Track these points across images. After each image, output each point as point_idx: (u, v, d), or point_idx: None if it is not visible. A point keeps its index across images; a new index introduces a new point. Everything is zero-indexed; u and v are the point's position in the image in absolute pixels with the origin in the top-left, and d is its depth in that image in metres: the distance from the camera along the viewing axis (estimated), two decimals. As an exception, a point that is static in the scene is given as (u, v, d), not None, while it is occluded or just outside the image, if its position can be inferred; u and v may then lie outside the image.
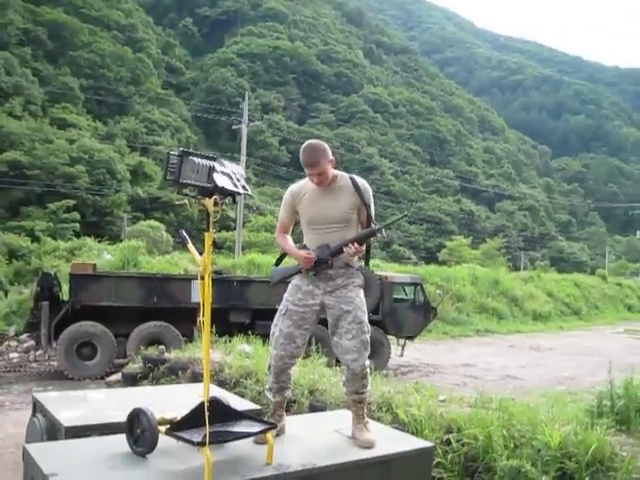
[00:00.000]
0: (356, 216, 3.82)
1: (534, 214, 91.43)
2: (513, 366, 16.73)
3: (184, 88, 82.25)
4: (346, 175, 3.88)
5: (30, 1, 64.33)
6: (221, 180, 3.13)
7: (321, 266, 3.70)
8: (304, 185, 3.88)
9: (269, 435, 3.23)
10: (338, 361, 4.03)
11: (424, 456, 3.77)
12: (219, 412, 3.12)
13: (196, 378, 7.62)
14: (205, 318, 3.11)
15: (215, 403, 3.14)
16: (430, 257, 56.20)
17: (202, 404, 3.04)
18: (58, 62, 62.78)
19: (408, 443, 3.83)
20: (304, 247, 3.84)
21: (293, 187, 3.94)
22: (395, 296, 15.71)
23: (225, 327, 11.01)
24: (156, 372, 8.29)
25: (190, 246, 3.31)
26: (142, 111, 65.48)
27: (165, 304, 13.43)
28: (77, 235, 35.17)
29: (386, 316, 14.84)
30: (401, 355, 15.45)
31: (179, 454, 3.14)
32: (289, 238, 3.93)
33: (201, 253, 3.21)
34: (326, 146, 3.76)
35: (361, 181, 3.85)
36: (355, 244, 3.64)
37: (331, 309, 3.78)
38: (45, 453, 3.09)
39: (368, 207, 3.80)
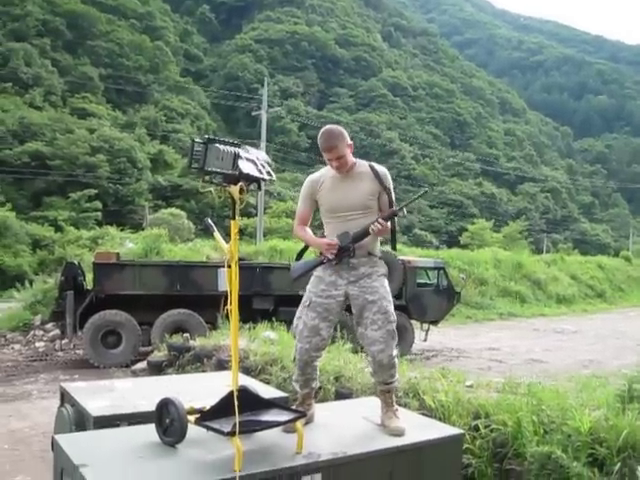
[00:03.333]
0: (376, 203, 3.78)
1: (556, 196, 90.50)
2: (537, 350, 16.62)
3: (203, 75, 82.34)
4: (365, 162, 3.84)
5: (48, -8, 64.57)
6: (246, 167, 3.09)
7: (343, 254, 3.66)
8: (323, 174, 3.84)
9: (299, 424, 3.20)
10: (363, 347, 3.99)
11: (454, 443, 3.73)
12: (248, 401, 3.10)
13: (221, 365, 7.63)
14: (232, 306, 3.08)
15: (244, 392, 3.12)
16: (452, 241, 55.99)
17: (231, 393, 3.01)
18: (77, 52, 63.14)
19: (438, 430, 3.79)
20: (324, 238, 3.80)
21: (312, 177, 3.90)
22: (418, 281, 15.64)
23: (248, 314, 10.99)
24: (181, 360, 8.32)
25: (216, 234, 3.28)
26: (161, 99, 65.70)
27: (188, 292, 13.46)
28: (99, 224, 35.50)
29: (410, 301, 14.77)
30: (425, 340, 15.39)
31: (208, 444, 3.12)
32: (309, 230, 3.89)
33: (227, 241, 3.19)
34: (343, 130, 3.72)
35: (380, 167, 3.82)
36: (379, 221, 3.59)
37: (355, 299, 3.73)
38: (75, 444, 3.09)
39: (389, 191, 3.76)
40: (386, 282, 3.82)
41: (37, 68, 54.86)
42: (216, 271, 13.45)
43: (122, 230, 28.86)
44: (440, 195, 71.25)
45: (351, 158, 3.74)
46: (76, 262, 14.47)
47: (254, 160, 3.19)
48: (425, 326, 15.55)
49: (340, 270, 3.72)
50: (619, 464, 4.25)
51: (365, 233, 3.64)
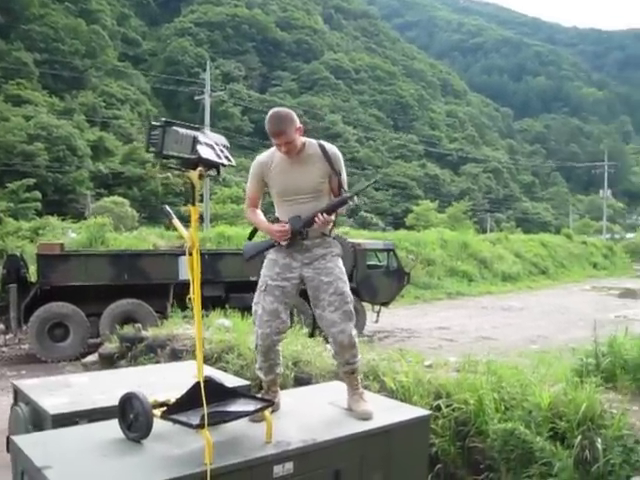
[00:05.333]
0: (327, 185, 3.70)
1: (498, 176, 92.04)
2: (486, 327, 16.92)
3: (142, 60, 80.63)
4: (315, 142, 3.72)
5: (-23, -25, 62.21)
6: (205, 151, 2.99)
7: (295, 238, 3.60)
8: (271, 155, 3.72)
9: (267, 413, 3.14)
10: (321, 331, 3.94)
11: (422, 424, 3.73)
12: (214, 392, 3.02)
13: (176, 355, 7.53)
14: (195, 294, 2.99)
15: (209, 382, 3.04)
16: (397, 222, 56.43)
17: (197, 384, 2.92)
18: (10, 37, 61.02)
19: (406, 412, 3.77)
20: (276, 220, 3.71)
21: (260, 158, 3.78)
22: (368, 263, 15.70)
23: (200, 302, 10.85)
24: (134, 351, 8.17)
25: (175, 221, 3.16)
26: (100, 85, 64.16)
27: (137, 281, 13.19)
28: (39, 214, 34.55)
29: (360, 283, 14.81)
30: (376, 321, 15.49)
31: (175, 437, 3.03)
32: (259, 212, 3.80)
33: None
34: (293, 114, 3.59)
35: (330, 148, 3.71)
36: (324, 214, 3.54)
37: (311, 281, 3.67)
38: (34, 444, 2.96)
39: (339, 175, 3.67)
40: (340, 262, 3.76)
41: (-32, 54, 52.99)
42: (173, 255, 13.29)
43: (64, 220, 28.18)
44: (385, 177, 71.62)
45: (300, 141, 3.62)
46: (18, 254, 14.06)
47: (212, 145, 3.09)
48: (376, 308, 15.65)
49: (294, 252, 3.66)
50: (579, 437, 4.33)
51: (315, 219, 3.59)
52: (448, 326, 17.20)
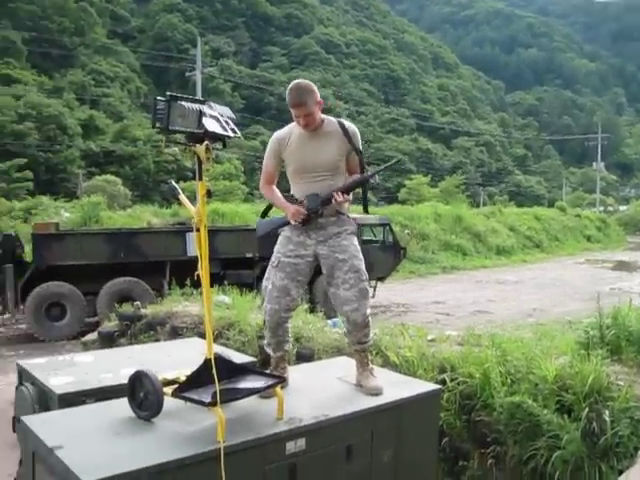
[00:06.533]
0: (344, 163, 3.66)
1: (490, 150, 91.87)
2: (482, 301, 16.98)
3: (131, 37, 79.67)
4: (334, 120, 3.69)
5: (-38, -48, 61.15)
6: (211, 124, 2.94)
7: (311, 217, 3.55)
8: (289, 131, 3.67)
9: (278, 389, 3.11)
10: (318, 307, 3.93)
11: (432, 399, 3.71)
12: (224, 369, 2.98)
13: (176, 333, 7.51)
14: (203, 271, 2.95)
15: (219, 359, 3.00)
16: (390, 197, 56.32)
17: (207, 361, 2.89)
18: (-4, 15, 60.19)
19: (416, 387, 3.76)
20: (291, 198, 3.67)
21: (278, 134, 3.72)
22: (364, 237, 15.66)
23: (198, 279, 10.81)
24: (133, 329, 8.15)
25: (182, 197, 3.12)
26: (89, 62, 63.40)
27: (133, 259, 13.17)
28: (31, 194, 34.32)
29: (356, 258, 14.78)
30: (373, 296, 15.43)
31: (185, 415, 3.01)
32: (276, 189, 3.74)
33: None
34: (314, 86, 3.56)
35: (350, 126, 3.67)
36: (342, 193, 3.51)
37: (325, 259, 3.63)
38: (44, 424, 2.92)
39: (359, 152, 3.64)
40: (355, 240, 3.74)
41: (-46, 34, 52.27)
42: (168, 233, 13.25)
43: (56, 199, 28.02)
44: (377, 152, 71.39)
45: (319, 116, 3.58)
46: (13, 234, 13.98)
47: (217, 117, 3.03)
48: (372, 283, 15.63)
49: (308, 230, 3.62)
50: (586, 409, 4.32)
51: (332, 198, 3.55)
52: (444, 300, 17.26)
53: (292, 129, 3.66)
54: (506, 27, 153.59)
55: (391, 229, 16.26)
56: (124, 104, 59.86)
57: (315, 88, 3.55)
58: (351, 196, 3.66)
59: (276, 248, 3.69)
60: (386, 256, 15.73)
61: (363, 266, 3.70)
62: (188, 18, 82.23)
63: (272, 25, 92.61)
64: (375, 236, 16.16)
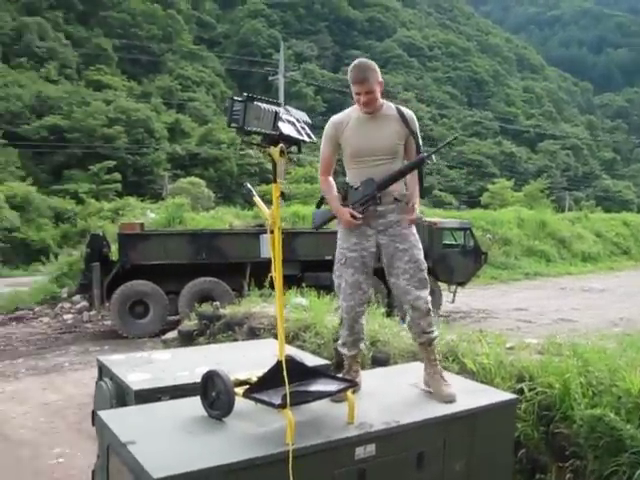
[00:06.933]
0: (402, 148, 3.61)
1: (577, 153, 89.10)
2: (566, 309, 16.49)
3: (216, 42, 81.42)
4: (392, 105, 3.64)
5: (57, -36, 63.90)
6: (286, 128, 2.95)
7: (368, 203, 3.50)
8: (347, 115, 3.64)
9: (349, 393, 3.08)
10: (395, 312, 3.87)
11: (508, 409, 3.60)
12: (295, 371, 2.97)
13: (253, 333, 7.57)
14: (277, 273, 2.95)
15: (291, 361, 3.00)
16: (472, 201, 55.46)
17: (279, 363, 2.89)
18: (90, 24, 62.73)
19: (491, 395, 3.65)
20: (346, 185, 3.61)
21: (335, 118, 3.69)
22: (445, 242, 15.48)
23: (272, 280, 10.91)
24: (212, 329, 8.26)
25: (256, 199, 3.13)
26: (176, 68, 65.23)
27: (214, 260, 13.43)
28: (119, 195, 35.64)
29: (436, 262, 14.61)
30: (452, 302, 15.30)
31: (256, 416, 3.02)
32: (333, 184, 3.67)
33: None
34: (376, 66, 3.54)
35: (407, 111, 3.63)
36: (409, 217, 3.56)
37: (386, 248, 3.59)
38: (119, 419, 3.00)
39: (416, 136, 3.59)
40: (414, 229, 3.67)
41: (51, 42, 54.58)
42: (249, 234, 13.44)
43: (142, 201, 28.96)
44: (459, 155, 70.49)
45: (379, 96, 3.54)
46: (101, 234, 14.49)
47: (294, 121, 3.04)
48: (452, 288, 15.45)
49: (368, 218, 3.56)
50: (674, 425, 4.11)
51: (391, 180, 3.50)
52: (526, 307, 16.85)
53: (350, 113, 3.64)
54: (594, 27, 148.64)
55: (472, 233, 15.99)
56: (209, 108, 61.20)
57: (377, 68, 3.53)
58: (417, 189, 3.62)
59: (339, 243, 3.65)
60: (466, 261, 15.52)
61: (422, 255, 3.62)
62: (272, 23, 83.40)
63: (354, 29, 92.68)
64: (456, 240, 15.94)
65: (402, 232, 3.58)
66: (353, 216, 3.49)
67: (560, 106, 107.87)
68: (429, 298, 3.62)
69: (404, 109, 3.63)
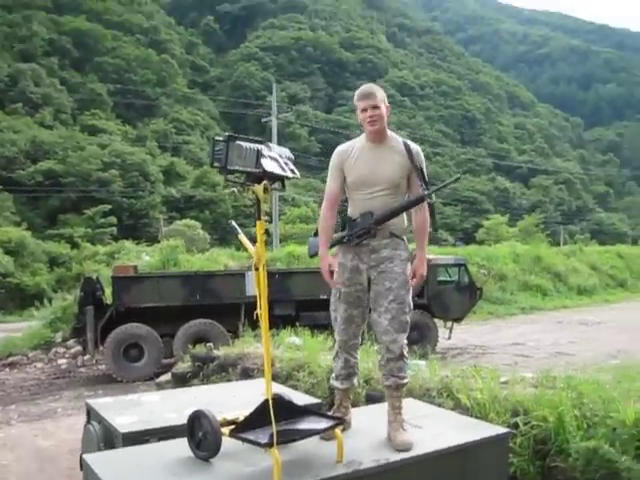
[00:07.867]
0: (405, 182, 3.57)
1: (570, 187, 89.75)
2: (563, 342, 16.39)
3: (210, 86, 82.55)
4: (399, 138, 3.63)
5: (53, 12, 65.08)
6: (269, 164, 2.96)
7: (363, 237, 3.48)
8: (352, 144, 3.64)
9: (338, 431, 3.05)
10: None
11: (500, 443, 3.57)
12: (283, 409, 2.95)
13: (247, 374, 7.51)
14: (262, 310, 2.94)
15: (278, 400, 2.98)
16: (467, 238, 55.69)
17: (265, 402, 2.87)
18: (84, 69, 63.57)
19: (482, 430, 3.63)
20: (348, 218, 3.59)
21: (340, 147, 3.69)
22: (439, 278, 15.46)
23: (270, 320, 10.86)
24: (206, 370, 8.18)
25: (242, 236, 3.14)
26: (170, 112, 65.96)
27: (208, 301, 13.37)
28: (115, 239, 35.66)
29: (432, 299, 14.60)
30: (449, 338, 15.21)
31: (243, 456, 2.98)
32: (331, 225, 3.61)
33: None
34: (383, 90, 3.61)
35: (414, 145, 3.60)
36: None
37: (375, 285, 3.54)
38: (104, 463, 2.96)
39: (420, 171, 3.52)
40: (408, 268, 3.58)
41: (46, 87, 55.27)
42: (244, 275, 13.38)
43: (138, 244, 28.89)
44: (453, 192, 70.83)
45: (386, 121, 3.54)
46: (94, 277, 14.44)
47: (276, 157, 3.06)
48: (448, 324, 15.38)
49: (360, 253, 3.54)
50: (670, 456, 4.07)
51: (390, 215, 3.48)
52: (523, 342, 16.74)
53: (355, 142, 3.64)
54: (582, 63, 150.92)
55: (467, 269, 15.99)
56: (204, 151, 61.66)
57: (384, 93, 3.58)
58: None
59: (334, 277, 3.59)
60: (462, 297, 15.48)
61: (409, 297, 3.58)
62: (265, 66, 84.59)
63: (347, 70, 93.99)
64: (450, 277, 15.92)
65: (393, 269, 3.52)
66: (331, 271, 3.50)
67: (552, 142, 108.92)
68: (405, 342, 3.56)
69: (411, 143, 3.61)
